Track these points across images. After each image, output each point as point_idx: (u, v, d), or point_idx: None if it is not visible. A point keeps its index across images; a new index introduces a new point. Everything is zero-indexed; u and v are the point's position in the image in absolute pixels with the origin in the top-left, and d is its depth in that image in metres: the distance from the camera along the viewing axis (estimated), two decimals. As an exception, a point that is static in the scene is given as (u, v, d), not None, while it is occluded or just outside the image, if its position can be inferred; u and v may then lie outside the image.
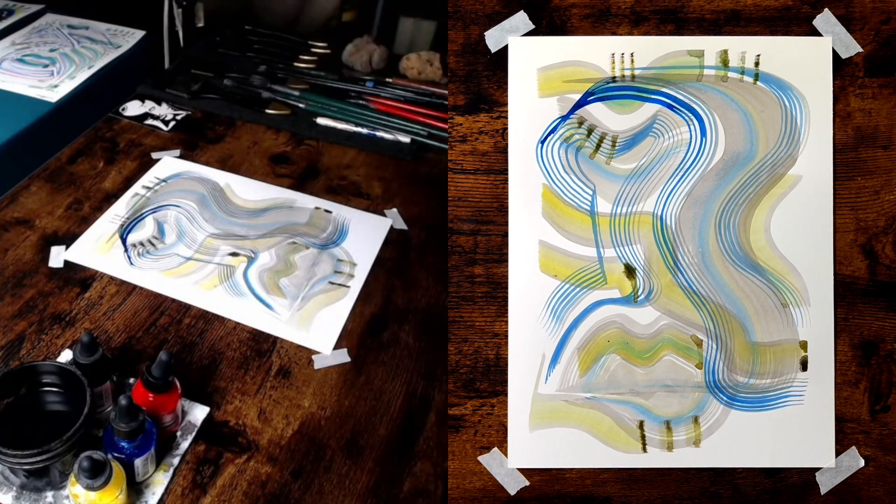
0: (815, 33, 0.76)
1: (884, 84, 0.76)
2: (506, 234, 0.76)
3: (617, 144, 0.76)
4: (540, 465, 0.75)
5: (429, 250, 0.97)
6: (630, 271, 0.76)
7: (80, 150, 1.10)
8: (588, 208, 0.76)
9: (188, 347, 0.79)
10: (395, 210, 1.05)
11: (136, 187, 1.03)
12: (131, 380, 0.73)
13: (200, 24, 1.53)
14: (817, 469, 0.75)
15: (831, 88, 0.76)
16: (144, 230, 0.96)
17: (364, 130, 1.25)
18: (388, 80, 1.36)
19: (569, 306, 0.76)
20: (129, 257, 0.92)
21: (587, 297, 0.76)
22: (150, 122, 1.17)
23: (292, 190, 1.09)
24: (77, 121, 1.19)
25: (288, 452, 0.71)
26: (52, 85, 1.29)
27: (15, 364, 0.77)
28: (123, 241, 0.94)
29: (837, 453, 0.75)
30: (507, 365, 0.74)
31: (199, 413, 0.73)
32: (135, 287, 0.87)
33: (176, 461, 0.68)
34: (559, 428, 0.75)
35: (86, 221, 0.97)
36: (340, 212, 1.04)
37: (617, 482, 0.75)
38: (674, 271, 0.76)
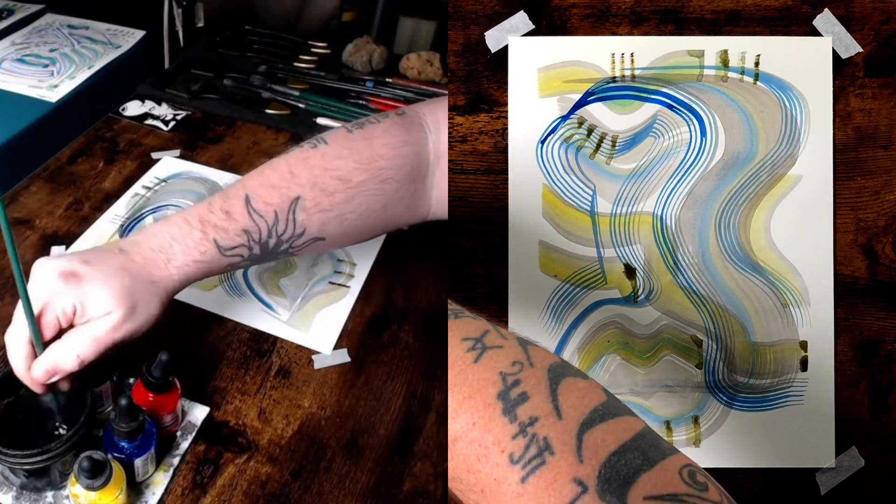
0: (815, 33, 0.76)
1: (884, 84, 0.76)
2: (506, 234, 0.76)
3: (617, 144, 0.76)
4: (540, 465, 0.75)
5: (429, 250, 0.96)
6: (630, 271, 0.76)
7: (80, 150, 1.10)
8: (588, 208, 0.76)
9: (188, 347, 0.79)
10: (395, 210, 1.05)
11: (136, 187, 1.03)
12: (131, 380, 0.73)
13: (200, 24, 1.53)
14: (817, 469, 0.75)
15: (831, 88, 0.76)
16: (144, 230, 0.96)
17: (364, 130, 1.24)
18: (388, 80, 1.36)
19: (569, 306, 0.76)
20: (129, 257, 0.92)
21: (587, 297, 0.76)
22: (150, 122, 1.17)
23: (292, 190, 1.09)
24: (77, 121, 1.19)
25: (288, 452, 0.71)
26: (52, 85, 1.29)
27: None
28: (123, 241, 0.94)
29: (837, 453, 0.75)
30: (507, 365, 0.74)
31: (199, 413, 0.73)
32: (135, 287, 0.87)
33: (176, 461, 0.68)
34: (559, 428, 0.75)
35: (86, 221, 0.97)
36: (340, 212, 1.04)
37: (617, 482, 0.75)
38: (674, 271, 0.76)
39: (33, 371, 0.59)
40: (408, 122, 0.73)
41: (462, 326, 0.48)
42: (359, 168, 0.68)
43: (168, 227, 0.65)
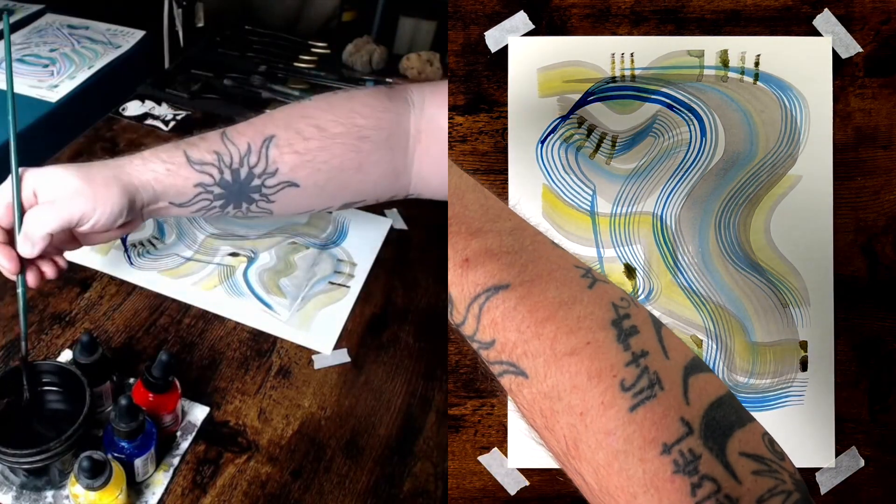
0: (815, 33, 0.76)
1: (884, 84, 0.76)
2: (506, 234, 0.76)
3: (617, 144, 0.76)
4: (540, 465, 0.75)
5: (429, 250, 0.96)
6: (630, 271, 0.76)
7: (80, 150, 1.10)
8: (588, 208, 0.76)
9: (188, 347, 0.79)
10: (395, 210, 1.05)
11: (136, 187, 1.03)
12: (131, 380, 0.73)
13: (200, 24, 1.53)
14: (817, 469, 0.75)
15: (831, 88, 0.76)
16: (144, 230, 0.96)
17: (364, 130, 1.24)
18: (388, 80, 1.36)
19: (569, 306, 0.76)
20: (128, 257, 0.91)
21: (587, 297, 0.76)
22: (150, 122, 1.17)
23: (292, 190, 1.09)
24: (77, 121, 1.19)
25: (288, 452, 0.71)
26: (52, 85, 1.29)
27: (15, 363, 0.77)
28: (123, 241, 0.94)
29: (837, 453, 0.75)
30: (507, 365, 0.74)
31: (199, 413, 0.72)
32: (135, 287, 0.87)
33: (176, 461, 0.68)
34: (559, 428, 0.75)
35: (86, 221, 0.97)
36: (340, 212, 1.04)
37: (617, 482, 0.75)
38: (674, 271, 0.76)
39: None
40: (393, 93, 0.75)
41: (568, 256, 0.48)
42: (336, 121, 0.71)
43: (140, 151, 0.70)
